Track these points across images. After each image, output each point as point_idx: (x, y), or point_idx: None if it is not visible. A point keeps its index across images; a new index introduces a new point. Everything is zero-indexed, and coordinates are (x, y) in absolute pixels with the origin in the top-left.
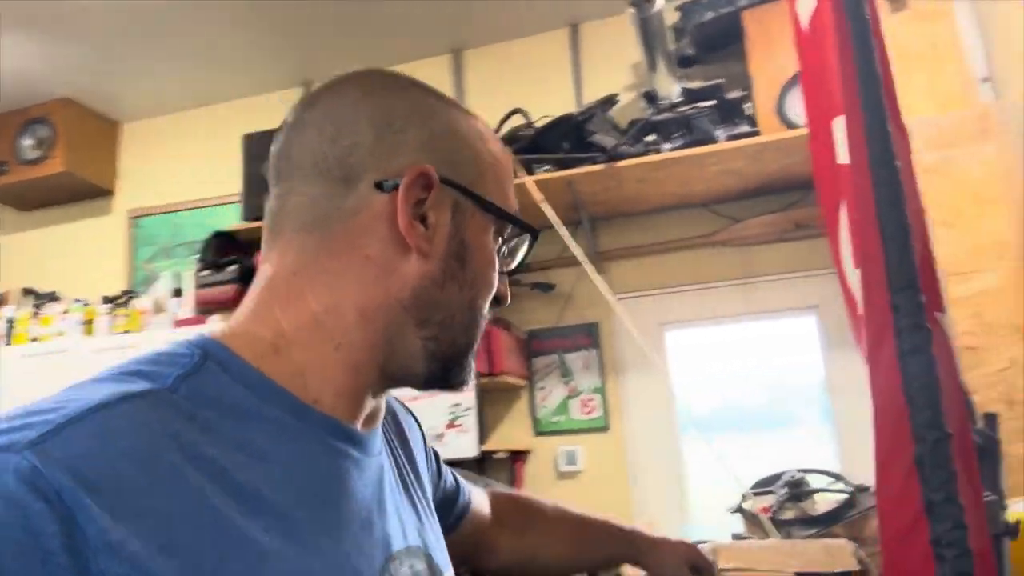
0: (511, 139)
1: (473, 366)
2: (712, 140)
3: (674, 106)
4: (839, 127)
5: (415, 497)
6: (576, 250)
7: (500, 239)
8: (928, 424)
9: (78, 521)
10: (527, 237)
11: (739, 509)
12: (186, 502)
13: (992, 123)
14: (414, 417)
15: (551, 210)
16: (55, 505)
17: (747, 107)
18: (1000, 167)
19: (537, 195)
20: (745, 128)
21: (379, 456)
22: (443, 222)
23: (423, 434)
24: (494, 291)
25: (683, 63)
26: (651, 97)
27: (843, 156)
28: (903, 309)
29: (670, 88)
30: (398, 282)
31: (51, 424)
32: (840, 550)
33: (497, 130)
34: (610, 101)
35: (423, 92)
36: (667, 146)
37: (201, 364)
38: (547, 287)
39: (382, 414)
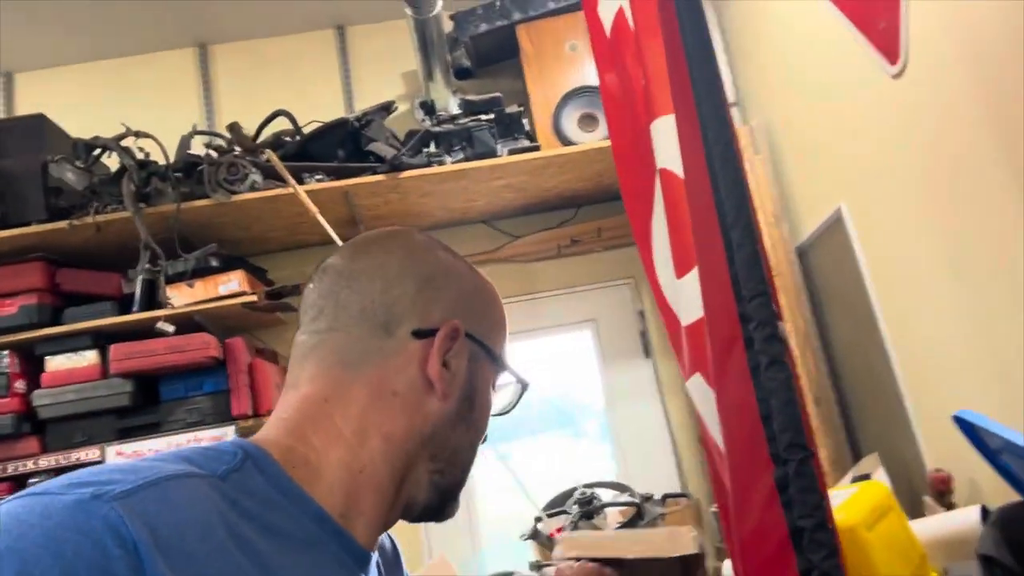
0: (274, 144)
1: (457, 506)
2: (494, 154)
3: (453, 118)
4: (660, 130)
5: None
6: None
7: (492, 385)
8: (790, 444)
9: (146, 571)
10: (517, 386)
11: (533, 534)
12: (231, 573)
13: (743, 145)
14: (394, 544)
15: (327, 225)
16: (131, 554)
17: (525, 122)
18: (753, 188)
19: (312, 207)
20: (525, 143)
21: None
22: (462, 369)
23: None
24: (486, 432)
25: (460, 74)
26: (428, 108)
27: (665, 160)
28: (755, 319)
29: (447, 99)
30: (420, 418)
31: (134, 483)
32: (682, 535)
33: (257, 134)
34: (387, 108)
35: (452, 255)
36: (449, 159)
37: (242, 463)
38: None
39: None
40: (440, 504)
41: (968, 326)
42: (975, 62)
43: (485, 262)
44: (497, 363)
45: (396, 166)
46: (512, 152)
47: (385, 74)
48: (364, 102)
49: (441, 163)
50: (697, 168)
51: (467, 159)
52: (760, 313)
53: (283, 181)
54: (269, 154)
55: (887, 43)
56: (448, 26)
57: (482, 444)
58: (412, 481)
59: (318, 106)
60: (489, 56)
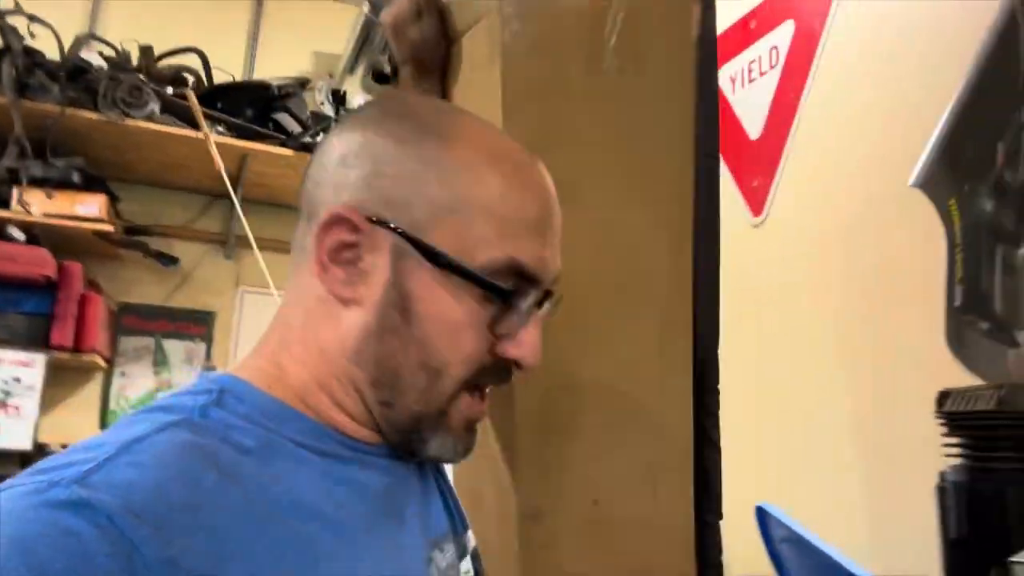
0: (175, 80)
1: (448, 440)
2: None
3: None
4: None
5: (440, 481)
6: (248, 229)
7: (503, 297)
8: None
9: (133, 542)
10: (546, 293)
11: None
12: (234, 514)
13: None
14: None
15: (229, 180)
16: (107, 529)
17: None
18: None
19: (219, 161)
20: None
21: (401, 462)
22: (379, 267)
23: None
24: (474, 357)
25: (377, 78)
26: (338, 97)
27: None
28: None
29: (356, 96)
30: (344, 330)
31: (93, 461)
32: None
33: (159, 58)
34: (303, 84)
35: (410, 120)
36: None
37: (220, 397)
38: (170, 260)
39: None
40: (403, 443)
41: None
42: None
43: None
44: (442, 265)
45: (305, 144)
46: None
47: (295, 46)
48: (265, 64)
49: None
50: None
51: None
52: None
53: (185, 120)
54: (189, 94)
55: (756, 199)
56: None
57: (497, 378)
58: (371, 407)
59: (216, 53)
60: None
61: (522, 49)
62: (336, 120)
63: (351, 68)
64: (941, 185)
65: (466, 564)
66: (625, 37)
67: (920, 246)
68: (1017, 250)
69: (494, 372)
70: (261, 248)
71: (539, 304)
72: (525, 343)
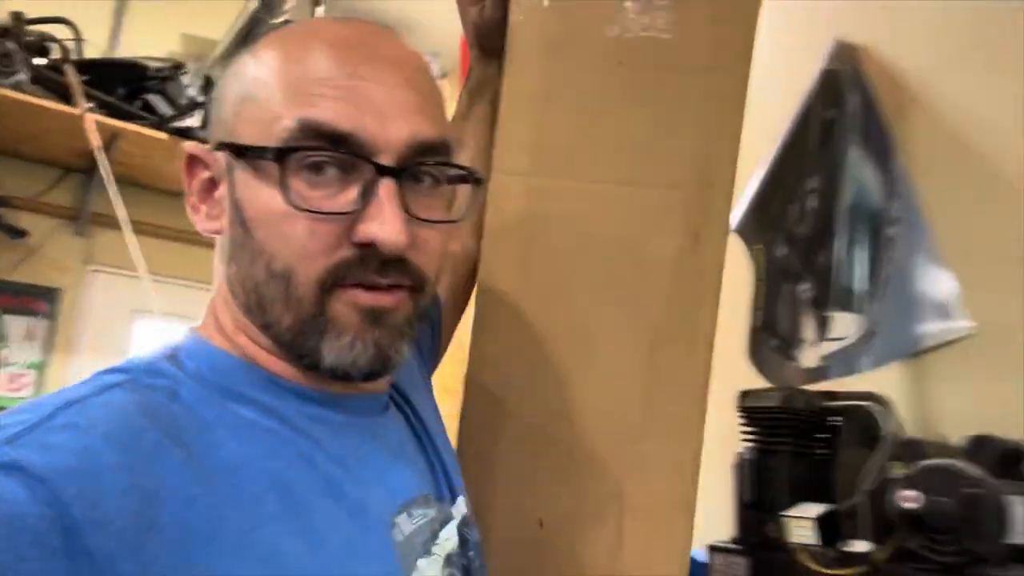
0: (41, 50)
1: (343, 342)
2: None
3: None
4: None
5: (425, 444)
6: (120, 210)
7: (326, 168)
8: None
9: (63, 501)
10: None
11: None
12: (172, 476)
13: None
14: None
15: (105, 160)
16: (37, 490)
17: None
18: None
19: (96, 140)
20: None
21: (372, 416)
22: (224, 189)
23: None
24: (317, 248)
25: None
26: (210, 83)
27: None
28: None
29: None
30: (224, 261)
31: (25, 423)
32: None
33: (29, 23)
34: (179, 68)
35: (253, 46)
36: None
37: (172, 354)
38: (18, 233)
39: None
40: (304, 362)
41: None
42: None
43: (196, 243)
44: (247, 155)
45: (179, 129)
46: None
47: (163, 23)
48: (130, 41)
49: None
50: None
51: None
52: None
53: (55, 93)
54: (70, 70)
55: None
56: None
57: (319, 267)
58: (268, 337)
59: (78, 24)
60: None
61: (536, 4)
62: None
63: (228, 55)
64: (751, 232)
65: (447, 531)
66: None
67: (739, 280)
68: (797, 287)
69: (362, 262)
70: (119, 228)
71: (390, 174)
72: (373, 217)
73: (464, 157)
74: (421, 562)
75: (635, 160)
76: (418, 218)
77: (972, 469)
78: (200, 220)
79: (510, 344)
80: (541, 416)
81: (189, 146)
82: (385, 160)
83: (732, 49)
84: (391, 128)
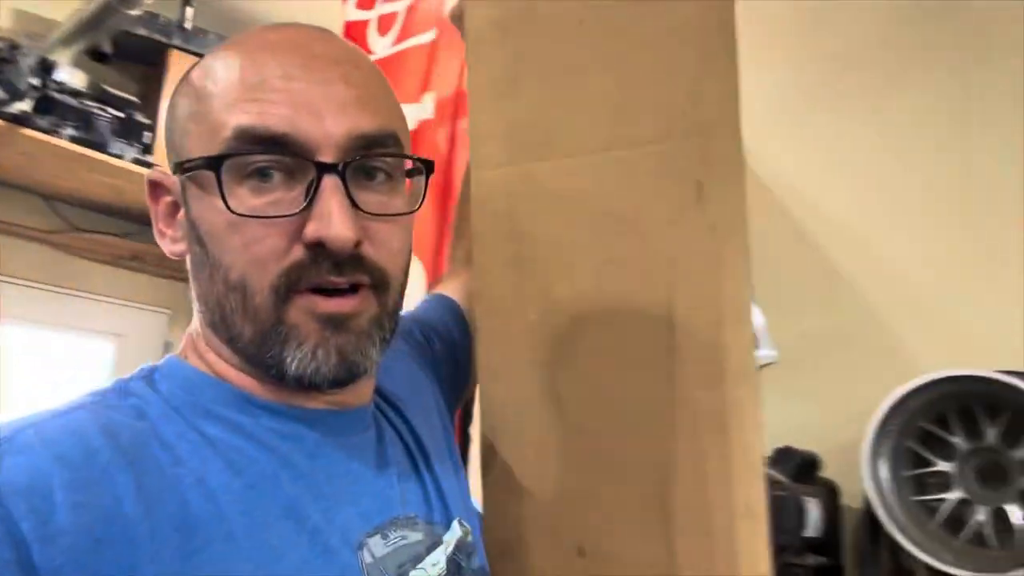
0: None
1: (305, 349)
2: (106, 147)
3: (77, 93)
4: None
5: (419, 464)
6: None
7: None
8: None
9: (14, 518)
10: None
11: None
12: (123, 496)
13: None
14: (418, 352)
15: None
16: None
17: (148, 136)
18: None
19: None
20: (137, 155)
21: (351, 434)
22: (182, 214)
23: (424, 362)
24: (267, 255)
25: (94, 55)
26: (47, 67)
27: None
28: None
29: (66, 69)
30: (194, 292)
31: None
32: None
33: None
34: (15, 47)
35: (196, 64)
36: (68, 131)
37: (148, 374)
38: None
39: (364, 391)
40: (271, 374)
41: None
42: None
43: (31, 239)
44: (191, 169)
45: (20, 118)
46: (136, 161)
47: None
48: None
49: (56, 133)
50: None
51: (76, 140)
52: None
53: None
54: None
55: None
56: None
57: (271, 274)
58: (234, 353)
59: None
60: (129, 54)
61: None
62: (43, 89)
63: (67, 41)
64: None
65: (434, 556)
66: None
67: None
68: None
69: (315, 264)
70: None
71: (332, 171)
72: (319, 216)
73: None
74: None
75: (616, 122)
76: (368, 213)
77: (776, 475)
78: (166, 244)
79: (516, 351)
80: (562, 426)
81: (149, 173)
82: (325, 157)
83: None
84: (328, 124)
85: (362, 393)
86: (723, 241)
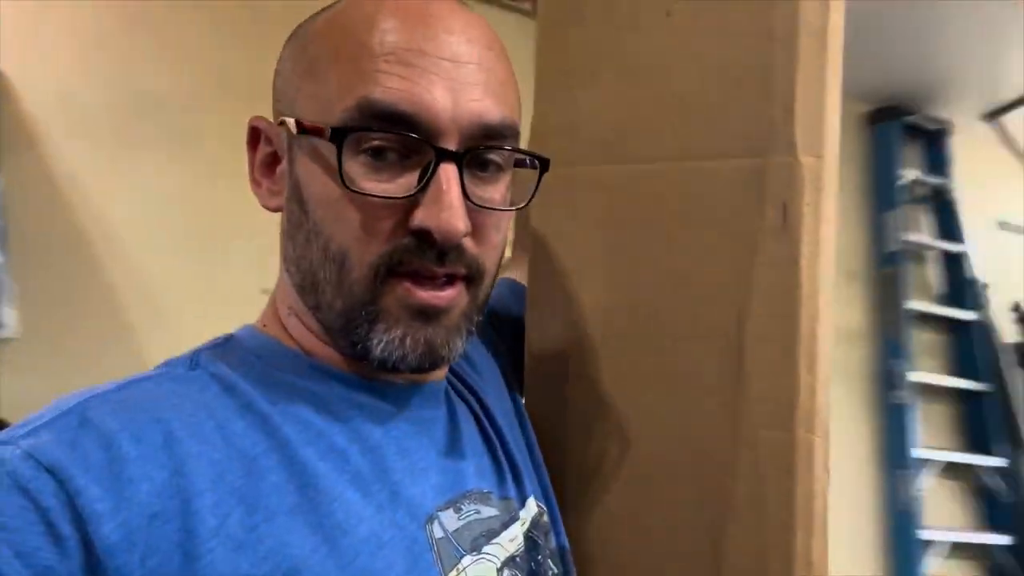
0: None
1: (393, 334)
2: None
3: None
4: None
5: (493, 441)
6: None
7: (387, 153)
8: None
9: (70, 491)
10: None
11: None
12: (185, 469)
13: None
14: (488, 340)
15: None
16: (49, 481)
17: None
18: None
19: None
20: None
21: (424, 408)
22: (283, 169)
23: (494, 351)
24: (372, 234)
25: None
26: None
27: None
28: None
29: None
30: (282, 241)
31: (43, 419)
32: None
33: None
34: None
35: (315, 17)
36: None
37: (224, 343)
38: None
39: (439, 370)
40: (353, 350)
41: None
42: None
43: None
44: (306, 132)
45: None
46: None
47: None
48: None
49: None
50: None
51: None
52: None
53: None
54: None
55: None
56: None
57: (373, 252)
58: (316, 320)
59: None
60: None
61: None
62: None
63: None
64: None
65: (511, 532)
66: None
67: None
68: None
69: (418, 250)
70: None
71: (451, 158)
72: (432, 203)
73: None
74: (466, 560)
75: (697, 128)
76: (479, 205)
77: None
78: (262, 195)
79: (565, 362)
80: (610, 448)
81: (253, 119)
82: (447, 143)
83: None
84: (456, 109)
85: (439, 372)
86: (805, 271)
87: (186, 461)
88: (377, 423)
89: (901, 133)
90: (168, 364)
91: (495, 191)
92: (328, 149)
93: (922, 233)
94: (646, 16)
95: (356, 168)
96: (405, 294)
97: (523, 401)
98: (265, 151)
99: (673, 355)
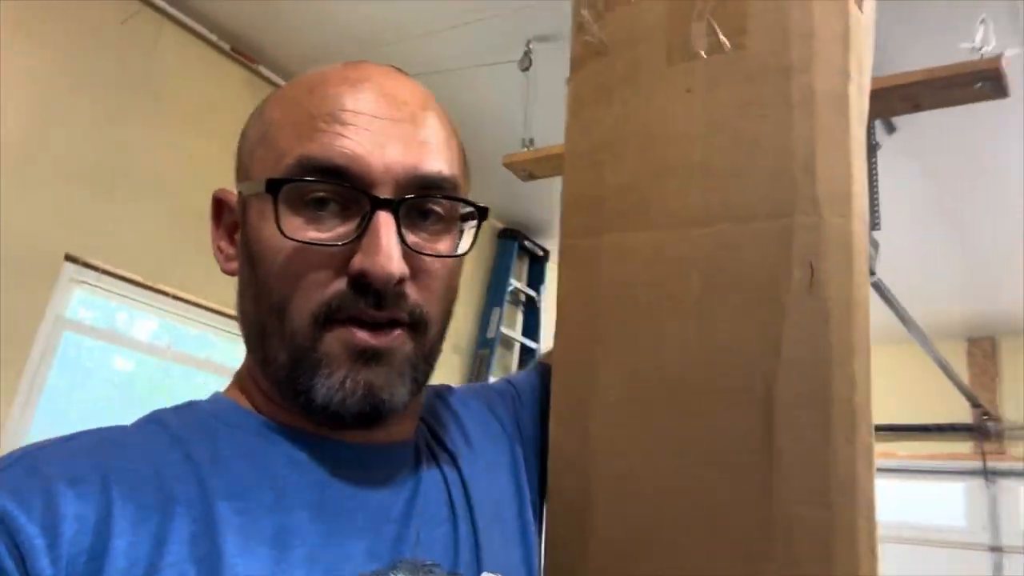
0: None
1: (333, 379)
2: None
3: None
4: None
5: (457, 511)
6: None
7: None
8: None
9: (11, 529)
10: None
11: None
12: (109, 512)
13: None
14: (505, 419)
15: None
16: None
17: None
18: None
19: None
20: None
21: (380, 468)
22: (240, 234)
23: (511, 429)
24: (311, 283)
25: None
26: None
27: None
28: None
29: None
30: (239, 310)
31: (4, 463)
32: None
33: None
34: None
35: (273, 93)
36: None
37: (185, 405)
38: None
39: (401, 428)
40: (298, 401)
41: None
42: None
43: None
44: (254, 191)
45: None
46: None
47: None
48: None
49: None
50: None
51: None
52: None
53: None
54: None
55: None
56: None
57: (313, 301)
58: (266, 377)
59: None
60: None
61: (592, 53)
62: None
63: None
64: None
65: None
66: (720, 13)
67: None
68: None
69: (356, 295)
70: None
71: (386, 206)
72: (367, 248)
73: None
74: None
75: (720, 193)
76: (417, 252)
77: None
78: (221, 261)
79: (590, 428)
80: (632, 517)
81: (216, 192)
82: (382, 192)
83: (821, 41)
84: (388, 160)
85: (396, 431)
86: (836, 332)
87: (114, 503)
88: (314, 481)
89: (516, 250)
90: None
91: (438, 242)
92: (270, 204)
93: (513, 329)
94: (667, 93)
95: (296, 221)
96: (346, 336)
97: (532, 486)
98: (228, 220)
99: (699, 422)
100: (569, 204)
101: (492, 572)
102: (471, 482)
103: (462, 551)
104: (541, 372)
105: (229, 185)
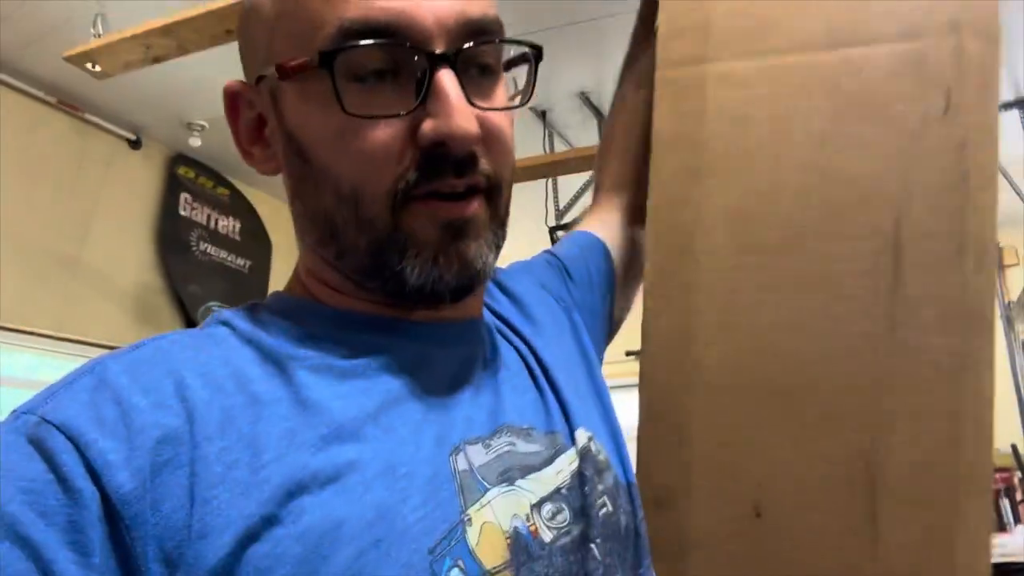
0: None
1: (425, 259)
2: None
3: None
4: None
5: (537, 377)
6: None
7: (363, 78)
8: None
9: (81, 446)
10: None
11: None
12: (193, 418)
13: None
14: (555, 291)
15: None
16: (61, 439)
17: None
18: None
19: None
20: None
21: (455, 346)
22: (273, 126)
23: (565, 299)
24: (378, 159)
25: None
26: None
27: None
28: None
29: None
30: (295, 212)
31: (62, 384)
32: None
33: None
34: None
35: None
36: None
37: (249, 307)
38: None
39: (473, 304)
40: (389, 287)
41: None
42: None
43: None
44: (288, 76)
45: None
46: None
47: None
48: None
49: None
50: None
51: None
52: None
53: None
54: None
55: None
56: None
57: (386, 179)
58: (342, 271)
59: None
60: None
61: None
62: None
63: None
64: None
65: (558, 465)
66: None
67: None
68: None
69: (433, 166)
70: None
71: (446, 62)
72: (437, 113)
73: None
74: (492, 492)
75: (851, 13)
76: (482, 108)
77: None
78: (256, 163)
79: (691, 271)
80: (743, 362)
81: (228, 84)
82: (436, 47)
83: None
84: (436, 9)
85: (471, 306)
86: (972, 161)
87: (196, 408)
88: (403, 361)
89: None
90: (191, 328)
91: (494, 95)
92: (319, 83)
93: None
94: None
95: (350, 97)
96: (431, 211)
97: (596, 349)
98: (248, 116)
99: (817, 259)
100: (668, 33)
101: (585, 429)
102: (543, 354)
103: (553, 415)
104: (580, 237)
105: (68, 230)
